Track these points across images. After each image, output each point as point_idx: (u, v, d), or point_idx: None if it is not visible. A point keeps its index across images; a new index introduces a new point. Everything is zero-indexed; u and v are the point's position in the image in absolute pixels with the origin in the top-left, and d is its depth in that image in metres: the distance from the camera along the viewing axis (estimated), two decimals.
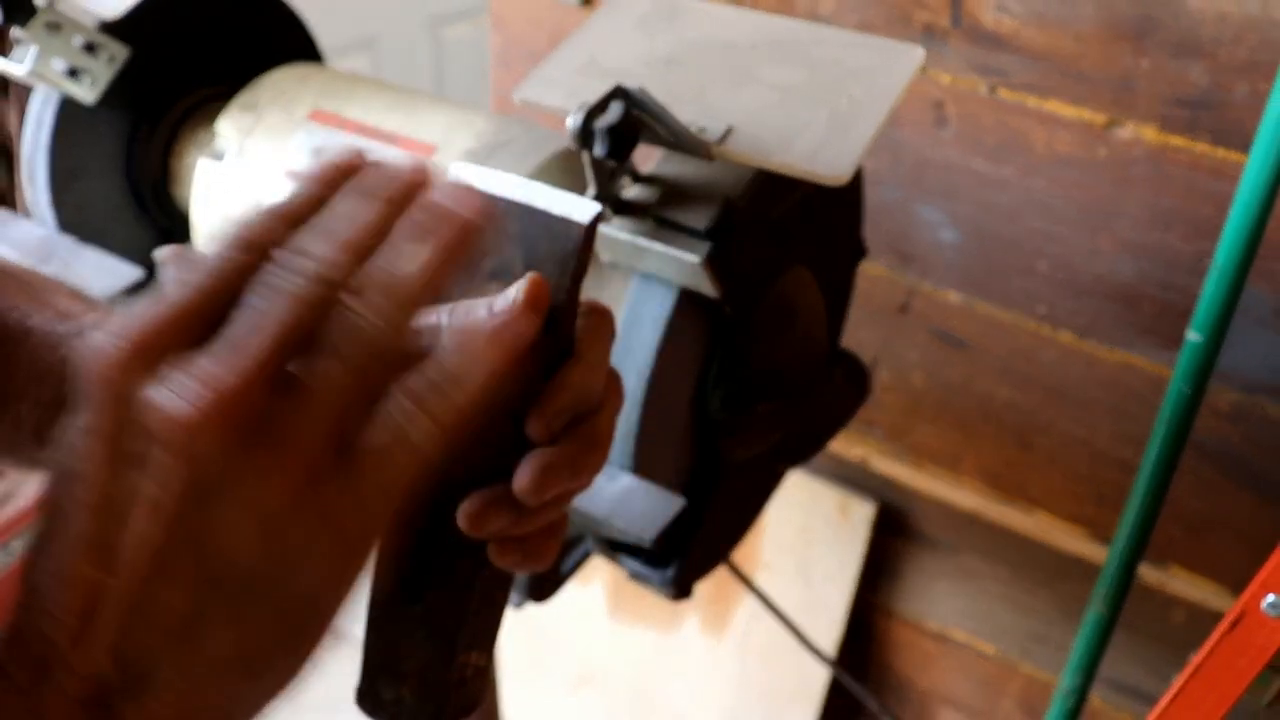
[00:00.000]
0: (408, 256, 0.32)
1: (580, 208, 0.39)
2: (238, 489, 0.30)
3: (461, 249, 0.33)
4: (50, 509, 0.31)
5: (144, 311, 0.31)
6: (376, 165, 0.35)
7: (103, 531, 0.30)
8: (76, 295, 0.52)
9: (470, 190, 0.35)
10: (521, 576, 0.86)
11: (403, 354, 0.33)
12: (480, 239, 0.34)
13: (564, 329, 0.40)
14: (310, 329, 0.31)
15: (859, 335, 1.38)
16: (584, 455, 0.41)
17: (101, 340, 0.30)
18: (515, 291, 0.37)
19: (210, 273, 0.32)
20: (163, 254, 0.45)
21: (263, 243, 0.32)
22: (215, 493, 0.30)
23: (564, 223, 0.39)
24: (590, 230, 0.39)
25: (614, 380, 0.43)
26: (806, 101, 0.75)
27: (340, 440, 0.32)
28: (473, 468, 0.41)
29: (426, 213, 0.34)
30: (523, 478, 0.40)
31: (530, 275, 0.38)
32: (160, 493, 0.30)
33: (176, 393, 0.29)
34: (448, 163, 0.90)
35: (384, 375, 0.33)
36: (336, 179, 0.34)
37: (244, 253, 0.32)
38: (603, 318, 0.42)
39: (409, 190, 0.34)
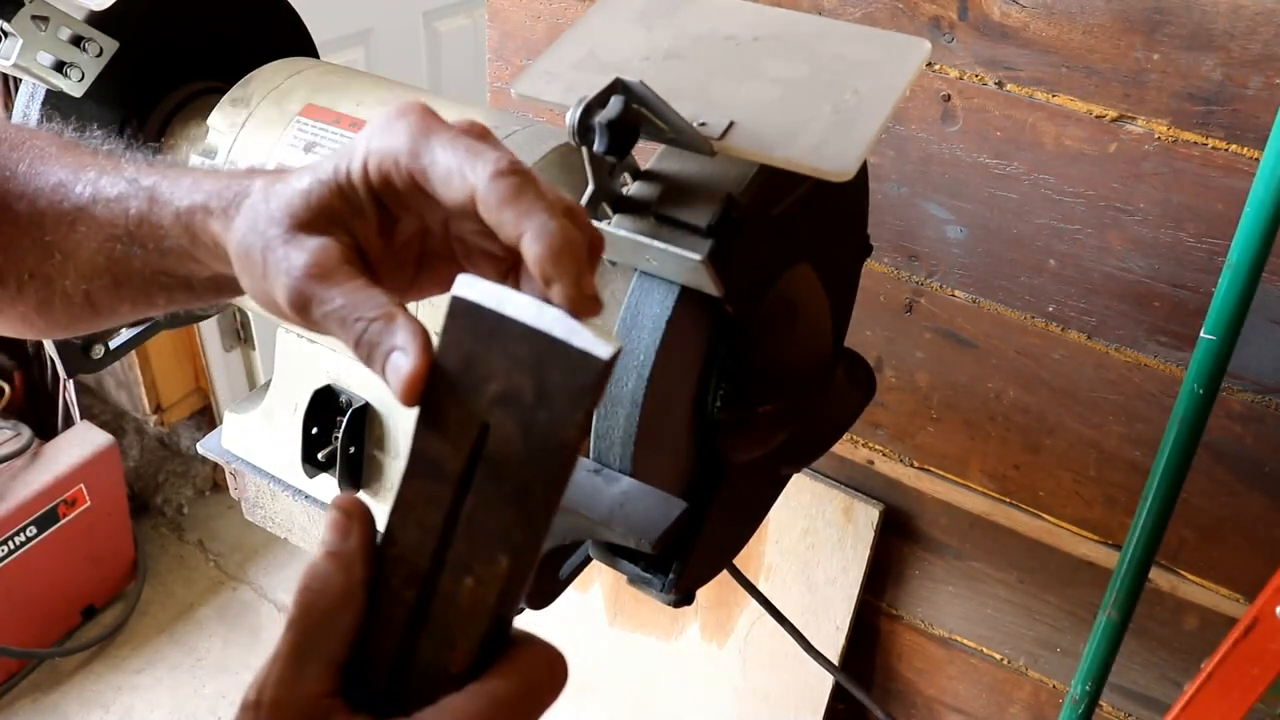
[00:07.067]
0: None
1: (599, 343, 0.38)
2: None
3: None
4: None
5: None
6: None
7: None
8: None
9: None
10: None
11: None
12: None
13: (560, 469, 0.39)
14: None
15: (864, 334, 1.37)
16: None
17: None
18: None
19: None
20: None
21: None
22: None
23: (582, 356, 0.38)
24: (609, 367, 0.37)
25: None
26: (810, 96, 0.74)
27: None
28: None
29: None
30: None
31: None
32: None
33: None
34: None
35: None
36: None
37: None
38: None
39: None
